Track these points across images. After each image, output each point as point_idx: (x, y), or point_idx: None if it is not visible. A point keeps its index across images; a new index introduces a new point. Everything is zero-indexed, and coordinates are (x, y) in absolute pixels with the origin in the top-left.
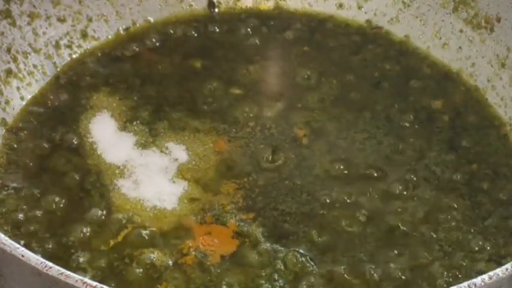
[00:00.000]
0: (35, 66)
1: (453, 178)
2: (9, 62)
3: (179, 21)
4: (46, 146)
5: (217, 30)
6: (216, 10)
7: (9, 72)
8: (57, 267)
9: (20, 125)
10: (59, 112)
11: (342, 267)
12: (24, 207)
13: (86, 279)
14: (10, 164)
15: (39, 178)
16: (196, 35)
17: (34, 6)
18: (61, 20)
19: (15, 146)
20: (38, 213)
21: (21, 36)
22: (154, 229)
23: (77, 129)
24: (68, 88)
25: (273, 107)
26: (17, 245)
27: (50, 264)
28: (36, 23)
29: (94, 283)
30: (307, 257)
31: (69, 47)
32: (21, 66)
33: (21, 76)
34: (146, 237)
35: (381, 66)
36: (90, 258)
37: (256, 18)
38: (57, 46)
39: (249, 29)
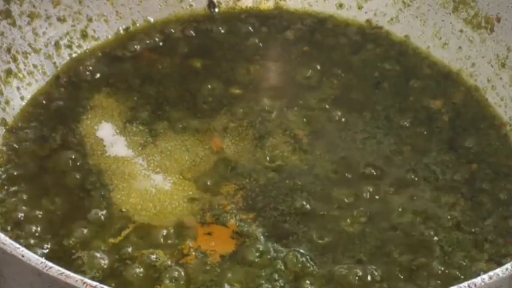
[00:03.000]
0: (35, 66)
1: (453, 178)
2: (9, 62)
3: (179, 21)
4: (46, 146)
5: (217, 30)
6: (216, 10)
7: (9, 72)
8: (57, 267)
9: (20, 125)
10: (59, 112)
11: (342, 267)
12: (24, 207)
13: (86, 279)
14: (10, 164)
15: (39, 178)
16: (196, 35)
17: (34, 6)
18: (61, 20)
19: (15, 146)
20: (38, 213)
21: (21, 36)
22: (154, 229)
23: (77, 129)
24: (68, 88)
25: (273, 107)
26: (17, 245)
27: (50, 264)
28: (36, 23)
29: (94, 283)
30: (308, 257)
31: (69, 47)
32: (21, 66)
33: (21, 76)
34: (147, 238)
35: (381, 66)
36: (90, 258)
37: (256, 18)
38: (57, 46)
39: (249, 29)
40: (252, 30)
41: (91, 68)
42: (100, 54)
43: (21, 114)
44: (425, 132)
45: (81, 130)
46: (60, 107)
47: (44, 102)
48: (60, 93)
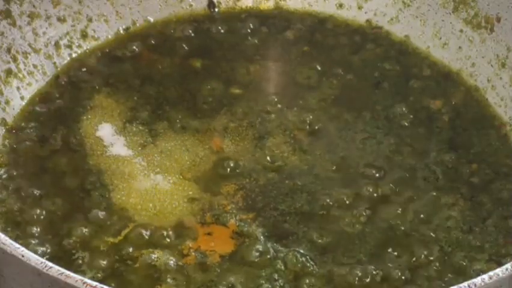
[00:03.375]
0: (35, 66)
1: (453, 178)
2: (9, 62)
3: (179, 21)
4: (46, 146)
5: (217, 30)
6: (216, 10)
7: (9, 72)
8: (57, 267)
9: (20, 125)
10: (59, 112)
11: (342, 267)
12: (25, 207)
13: (86, 279)
14: (10, 164)
15: (40, 178)
16: (196, 35)
17: (34, 6)
18: (61, 20)
19: (15, 146)
20: (39, 213)
21: (21, 36)
22: (154, 229)
23: (77, 129)
24: (68, 88)
25: (273, 107)
26: (17, 245)
27: (50, 264)
28: (36, 23)
29: (94, 283)
30: (308, 257)
31: (69, 47)
32: (21, 66)
33: (21, 76)
34: (147, 238)
35: (381, 66)
36: (90, 258)
37: (256, 18)
38: (57, 46)
39: (249, 29)
40: (252, 30)
41: (91, 68)
42: (100, 54)
43: (21, 114)
44: (425, 132)
45: (81, 130)
46: (61, 107)
47: (44, 102)
48: (61, 93)
